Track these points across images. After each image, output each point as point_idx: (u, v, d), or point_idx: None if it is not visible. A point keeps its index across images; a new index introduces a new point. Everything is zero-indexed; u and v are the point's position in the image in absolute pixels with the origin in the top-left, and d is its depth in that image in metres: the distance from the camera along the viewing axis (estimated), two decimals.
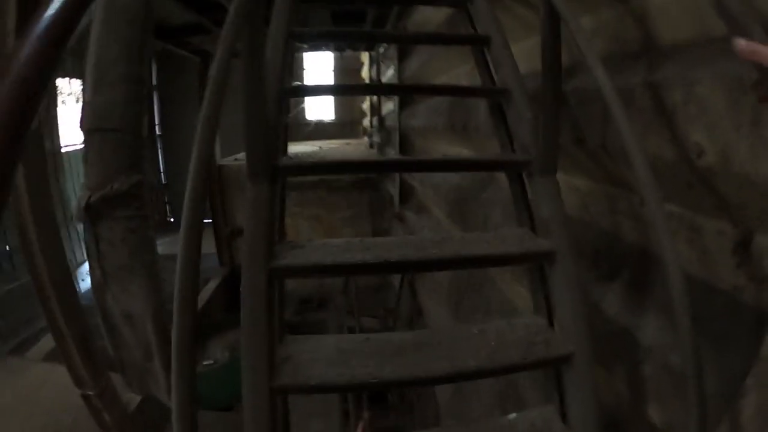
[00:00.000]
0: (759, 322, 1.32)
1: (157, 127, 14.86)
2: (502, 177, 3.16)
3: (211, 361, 7.33)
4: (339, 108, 16.52)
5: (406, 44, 6.12)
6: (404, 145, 6.37)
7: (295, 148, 10.59)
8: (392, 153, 7.02)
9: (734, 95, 1.25)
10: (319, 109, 16.69)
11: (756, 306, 1.35)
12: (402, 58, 6.38)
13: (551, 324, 1.62)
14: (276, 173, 1.47)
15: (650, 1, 1.74)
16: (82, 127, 2.92)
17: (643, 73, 1.60)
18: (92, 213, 3.01)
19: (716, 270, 1.50)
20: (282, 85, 1.65)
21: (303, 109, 16.33)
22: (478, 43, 2.12)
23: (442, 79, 4.74)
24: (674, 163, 1.49)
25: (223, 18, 1.18)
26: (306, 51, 12.25)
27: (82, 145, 2.97)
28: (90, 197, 2.94)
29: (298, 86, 1.64)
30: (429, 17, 4.72)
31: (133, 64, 2.91)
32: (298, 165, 1.51)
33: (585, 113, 1.88)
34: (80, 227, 3.38)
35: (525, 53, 2.58)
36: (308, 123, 11.24)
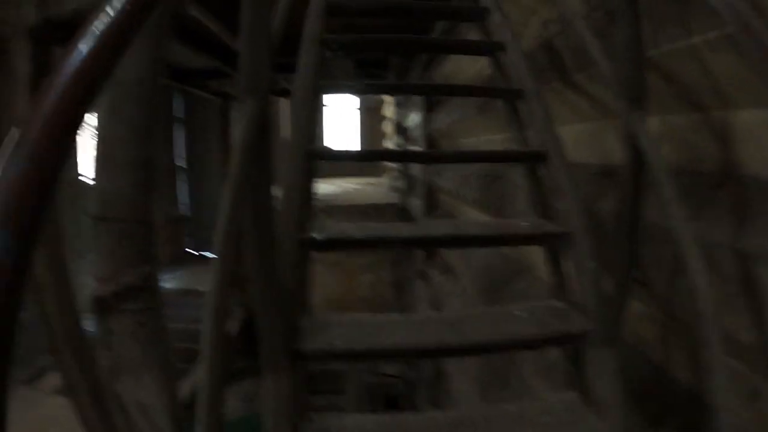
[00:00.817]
0: None
1: (182, 159, 14.86)
2: (536, 266, 2.92)
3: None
4: (363, 147, 16.40)
5: (431, 95, 5.93)
6: (430, 200, 6.14)
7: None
8: (417, 203, 6.79)
9: None
10: (343, 147, 16.63)
11: None
12: (430, 108, 6.16)
13: None
14: (299, 360, 1.24)
15: (734, 118, 1.50)
16: (88, 213, 2.78)
17: (730, 233, 1.36)
18: (101, 305, 2.85)
19: None
20: (303, 232, 1.42)
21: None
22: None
23: (471, 142, 4.52)
24: (749, 346, 1.26)
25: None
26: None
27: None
28: (99, 290, 2.79)
29: (329, 238, 1.39)
30: (458, 72, 4.52)
31: (141, 148, 2.75)
32: (329, 353, 1.26)
33: (651, 253, 1.63)
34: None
35: (571, 139, 2.36)
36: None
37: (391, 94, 9.55)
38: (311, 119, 1.49)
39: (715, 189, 1.54)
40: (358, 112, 16.71)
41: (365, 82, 5.96)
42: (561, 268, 1.58)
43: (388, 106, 11.38)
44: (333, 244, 1.42)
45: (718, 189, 1.53)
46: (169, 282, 9.93)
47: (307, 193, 1.44)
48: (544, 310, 1.42)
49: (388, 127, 11.86)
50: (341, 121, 16.81)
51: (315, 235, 1.32)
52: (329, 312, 1.42)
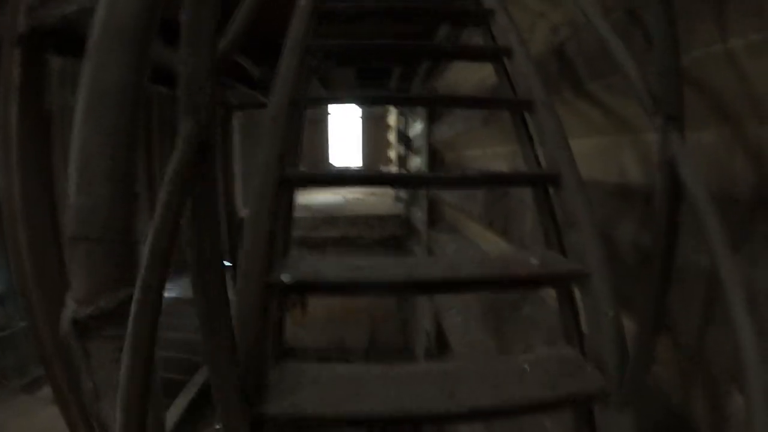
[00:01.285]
0: None
1: None
2: (546, 292, 2.70)
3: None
4: (366, 156, 16.16)
5: (431, 107, 5.72)
6: (433, 212, 5.93)
7: (319, 197, 10.24)
8: (419, 215, 6.57)
9: None
10: (346, 156, 16.41)
11: None
12: (432, 118, 5.96)
13: None
14: (260, 426, 1.03)
15: None
16: (65, 231, 2.58)
17: None
18: (80, 328, 2.65)
19: None
20: (272, 245, 1.22)
21: (327, 158, 16.05)
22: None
23: (476, 154, 4.31)
24: None
25: (243, 75, 0.81)
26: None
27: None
28: (76, 312, 2.58)
29: (299, 281, 1.18)
30: (462, 80, 4.31)
31: (119, 160, 2.52)
32: (296, 418, 1.05)
33: (678, 291, 1.41)
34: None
35: (582, 155, 2.16)
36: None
37: (388, 105, 9.31)
38: (285, 137, 1.28)
39: (750, 218, 1.33)
40: (361, 121, 16.47)
41: (356, 93, 5.72)
42: (574, 308, 1.36)
43: (392, 116, 11.18)
44: (304, 288, 1.21)
45: (755, 218, 1.32)
46: (170, 291, 9.75)
47: (276, 227, 1.22)
48: (555, 363, 1.20)
49: (391, 137, 11.67)
50: (344, 131, 16.58)
51: (283, 277, 1.11)
52: (306, 363, 1.22)
